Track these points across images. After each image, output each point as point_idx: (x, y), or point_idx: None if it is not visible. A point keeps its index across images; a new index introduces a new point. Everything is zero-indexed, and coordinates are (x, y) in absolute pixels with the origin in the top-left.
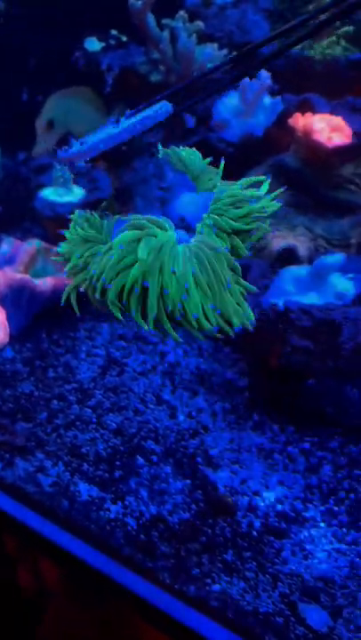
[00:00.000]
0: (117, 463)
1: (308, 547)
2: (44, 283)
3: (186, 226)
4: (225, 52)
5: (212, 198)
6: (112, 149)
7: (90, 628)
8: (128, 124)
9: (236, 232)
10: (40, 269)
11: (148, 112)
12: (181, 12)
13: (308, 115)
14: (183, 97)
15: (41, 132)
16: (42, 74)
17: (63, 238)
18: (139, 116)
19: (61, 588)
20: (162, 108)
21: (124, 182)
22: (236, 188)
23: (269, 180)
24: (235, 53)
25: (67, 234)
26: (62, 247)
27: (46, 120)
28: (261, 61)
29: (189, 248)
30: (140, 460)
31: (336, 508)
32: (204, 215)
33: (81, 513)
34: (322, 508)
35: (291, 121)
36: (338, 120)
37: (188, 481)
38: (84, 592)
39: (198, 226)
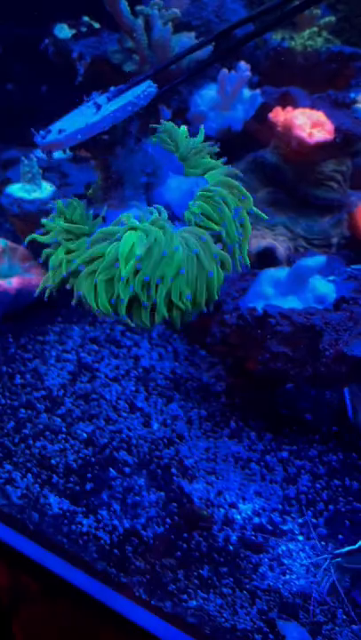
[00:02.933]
0: (89, 475)
1: (286, 561)
2: (9, 282)
3: (170, 214)
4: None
5: (199, 184)
6: (93, 138)
7: (63, 635)
8: (109, 111)
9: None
10: (6, 269)
11: (130, 97)
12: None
13: (289, 109)
14: (162, 80)
15: None
16: (10, 62)
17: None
18: (120, 101)
19: (36, 590)
20: (146, 90)
21: (110, 169)
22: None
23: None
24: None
25: (46, 222)
26: (45, 237)
27: None
28: (239, 41)
29: (185, 240)
30: (113, 471)
31: (315, 520)
32: (190, 203)
33: (52, 526)
34: (300, 520)
35: (271, 115)
36: (319, 115)
37: (163, 493)
38: (59, 602)
39: (186, 214)
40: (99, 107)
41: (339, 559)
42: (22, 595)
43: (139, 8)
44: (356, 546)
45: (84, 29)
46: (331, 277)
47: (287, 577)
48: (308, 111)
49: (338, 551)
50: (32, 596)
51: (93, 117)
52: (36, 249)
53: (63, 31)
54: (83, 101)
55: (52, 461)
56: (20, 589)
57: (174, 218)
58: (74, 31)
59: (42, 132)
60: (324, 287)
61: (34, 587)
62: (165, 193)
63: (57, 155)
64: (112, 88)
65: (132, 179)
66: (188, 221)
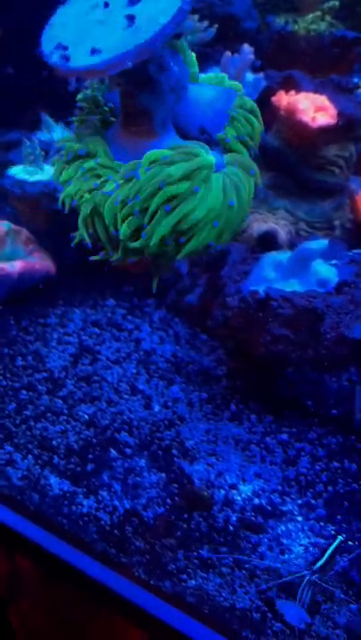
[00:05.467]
0: (90, 456)
1: (285, 541)
2: (12, 266)
3: (207, 138)
4: (206, 24)
5: (229, 96)
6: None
7: (65, 616)
8: (159, 24)
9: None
10: (8, 252)
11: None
12: None
13: (293, 93)
14: None
15: None
16: (10, 45)
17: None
18: (156, 3)
19: (37, 575)
20: None
21: (137, 96)
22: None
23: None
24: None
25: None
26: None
27: None
28: None
29: (228, 177)
30: (114, 452)
31: (314, 502)
32: (227, 127)
33: (52, 507)
34: (299, 501)
35: (274, 99)
36: (323, 99)
37: (163, 474)
38: (58, 586)
39: (221, 136)
40: (128, 16)
41: (315, 576)
42: (21, 579)
43: None
44: (326, 557)
45: None
46: (333, 261)
47: (286, 556)
48: (311, 95)
49: (316, 567)
50: (31, 581)
51: (141, 34)
52: None
53: None
54: None
55: (54, 442)
56: (19, 574)
57: (211, 143)
58: None
59: (56, 51)
60: (327, 271)
61: (33, 571)
62: (194, 110)
63: (58, 137)
64: None
65: (162, 101)
66: (223, 144)
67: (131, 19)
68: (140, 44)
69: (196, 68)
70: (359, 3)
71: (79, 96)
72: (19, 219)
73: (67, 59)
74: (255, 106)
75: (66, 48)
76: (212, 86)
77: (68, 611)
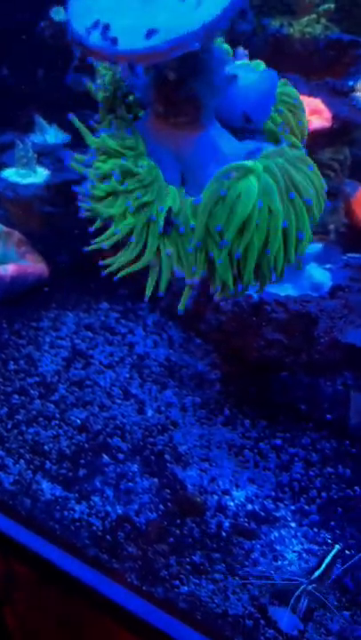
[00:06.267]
0: (82, 461)
1: (278, 547)
2: (5, 269)
3: (253, 128)
4: None
5: (273, 78)
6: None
7: (61, 619)
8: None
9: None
10: (1, 255)
11: None
12: None
13: None
14: None
15: None
16: (5, 46)
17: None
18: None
19: (32, 577)
20: None
21: (186, 86)
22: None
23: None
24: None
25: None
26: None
27: None
28: None
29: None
30: (106, 457)
31: (307, 507)
32: (275, 115)
33: (44, 512)
34: (293, 507)
35: None
36: (317, 102)
37: (156, 479)
38: (52, 590)
39: (268, 125)
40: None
41: (312, 586)
42: (15, 583)
43: None
44: (323, 567)
45: None
46: (327, 265)
47: (279, 563)
48: (306, 98)
49: (313, 576)
50: (26, 583)
51: (206, 10)
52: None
53: (59, 14)
54: None
55: (46, 447)
56: (13, 578)
57: (256, 131)
58: None
59: (95, 30)
60: (321, 275)
61: (27, 575)
62: (236, 94)
63: (51, 139)
64: None
65: (212, 87)
66: (269, 133)
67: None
68: (208, 22)
69: (230, 51)
70: (356, 4)
71: (99, 83)
72: (11, 221)
73: (113, 40)
74: (298, 94)
75: (107, 27)
76: (252, 68)
77: (64, 614)
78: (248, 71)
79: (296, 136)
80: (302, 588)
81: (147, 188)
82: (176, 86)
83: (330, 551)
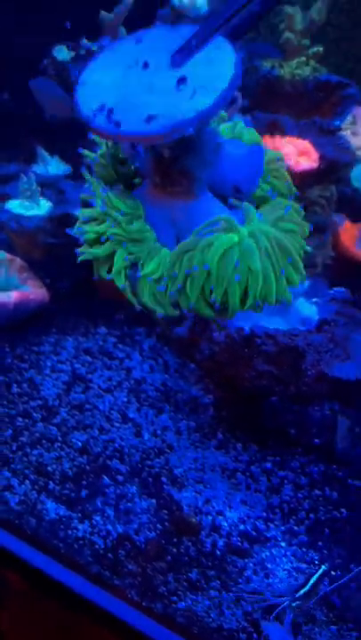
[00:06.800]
0: (84, 482)
1: (269, 566)
2: (9, 296)
3: (242, 197)
4: None
5: (260, 152)
6: None
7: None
8: (219, 89)
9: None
10: (3, 280)
11: (223, 62)
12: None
13: (277, 137)
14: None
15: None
16: (6, 71)
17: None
18: (212, 68)
19: (24, 587)
20: (235, 55)
21: (181, 161)
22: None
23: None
24: None
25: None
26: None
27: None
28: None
29: (266, 238)
30: (106, 479)
31: (296, 528)
32: (262, 183)
33: (49, 531)
34: (283, 527)
35: None
36: (306, 144)
37: (154, 500)
38: (48, 601)
39: (258, 193)
40: (179, 79)
41: (296, 602)
42: (8, 592)
43: None
44: (309, 585)
45: (82, 52)
46: (314, 299)
47: (270, 580)
48: (294, 140)
49: (298, 594)
50: (18, 594)
51: (200, 99)
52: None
53: (62, 53)
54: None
55: (49, 468)
56: (6, 587)
57: (245, 200)
58: (73, 53)
59: (100, 114)
60: (308, 309)
61: (20, 585)
62: (227, 167)
63: (53, 170)
64: (145, 32)
65: (204, 162)
66: (259, 199)
67: (182, 81)
68: (203, 111)
69: (225, 115)
70: (344, 38)
71: (97, 156)
72: (12, 246)
73: (117, 124)
74: (282, 154)
75: (111, 111)
76: (242, 142)
77: (63, 626)
78: (237, 145)
79: (285, 197)
80: (286, 603)
81: (135, 243)
82: (172, 162)
83: (317, 571)
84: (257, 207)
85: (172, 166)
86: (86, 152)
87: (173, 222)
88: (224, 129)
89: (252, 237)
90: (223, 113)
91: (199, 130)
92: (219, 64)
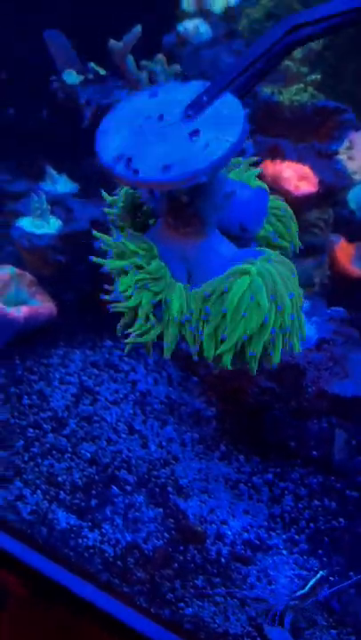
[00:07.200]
0: (93, 492)
1: (272, 573)
2: (18, 311)
3: (248, 236)
4: None
5: (264, 196)
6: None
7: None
8: (229, 142)
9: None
10: (13, 295)
11: (233, 117)
12: (160, 56)
13: (278, 162)
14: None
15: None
16: (13, 87)
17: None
18: (224, 124)
19: (25, 592)
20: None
21: (193, 205)
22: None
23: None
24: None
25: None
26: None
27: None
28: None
29: (270, 276)
30: (115, 489)
31: (297, 537)
32: (266, 225)
33: (60, 540)
34: (284, 536)
35: (261, 167)
36: (305, 169)
37: (161, 510)
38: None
39: (262, 234)
40: (192, 131)
41: (294, 602)
42: (7, 596)
43: (144, 63)
44: (306, 589)
45: (90, 76)
46: (313, 318)
47: (273, 587)
48: (294, 165)
49: (295, 595)
50: (19, 599)
51: (212, 150)
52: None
53: (71, 77)
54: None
55: (60, 479)
56: (6, 591)
57: (251, 239)
58: (82, 77)
59: (120, 162)
60: (308, 328)
61: (21, 589)
62: (235, 208)
63: (61, 188)
64: (159, 87)
65: (214, 206)
66: (262, 239)
67: (195, 134)
68: (215, 161)
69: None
70: (341, 60)
71: (116, 199)
72: (21, 260)
73: (135, 171)
74: (288, 206)
75: (130, 160)
76: (247, 185)
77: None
78: (244, 188)
79: (286, 240)
80: (283, 605)
81: (156, 281)
82: (185, 205)
83: (314, 576)
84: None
85: (185, 209)
86: (107, 210)
87: (185, 259)
88: (234, 173)
89: (260, 275)
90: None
91: (211, 177)
92: (228, 118)
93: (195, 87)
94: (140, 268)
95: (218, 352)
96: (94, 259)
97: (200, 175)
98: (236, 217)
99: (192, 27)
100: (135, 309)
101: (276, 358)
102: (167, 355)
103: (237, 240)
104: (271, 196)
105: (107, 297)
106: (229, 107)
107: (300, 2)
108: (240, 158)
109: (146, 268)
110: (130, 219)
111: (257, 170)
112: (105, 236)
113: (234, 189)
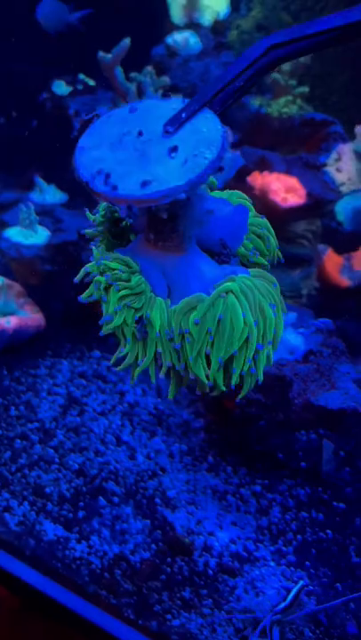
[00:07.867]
0: (80, 504)
1: (259, 585)
2: (8, 322)
3: (228, 252)
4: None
5: (245, 212)
6: None
7: None
8: (207, 159)
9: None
10: (2, 306)
11: (212, 134)
12: (149, 68)
13: (266, 174)
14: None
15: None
16: (3, 97)
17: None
18: (204, 142)
19: (14, 603)
20: (220, 126)
21: (172, 222)
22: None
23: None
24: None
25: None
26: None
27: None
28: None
29: (253, 293)
30: (102, 500)
31: (285, 549)
32: (246, 241)
33: (47, 552)
34: (271, 548)
35: (249, 179)
36: (293, 181)
37: (148, 521)
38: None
39: (241, 250)
40: (171, 148)
41: (278, 616)
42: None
43: (133, 74)
44: (287, 601)
45: (80, 87)
46: (300, 330)
47: (260, 598)
48: (282, 177)
49: (277, 609)
50: (9, 609)
51: (191, 167)
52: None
53: (60, 88)
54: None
55: (47, 490)
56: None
57: (230, 255)
58: (70, 88)
59: (98, 177)
60: (295, 339)
61: (11, 600)
62: (214, 224)
63: (50, 198)
64: (139, 103)
65: (193, 221)
66: (241, 257)
67: (174, 150)
68: (193, 179)
69: (215, 182)
70: (328, 72)
71: (98, 217)
72: (9, 270)
73: (114, 187)
74: (268, 223)
75: (108, 175)
76: (228, 202)
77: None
78: (224, 204)
79: (265, 257)
80: (268, 619)
81: (137, 296)
82: (165, 221)
83: (294, 587)
84: (242, 264)
85: (165, 225)
86: (88, 231)
87: (165, 274)
88: (217, 194)
89: (242, 292)
90: (212, 179)
91: (190, 193)
92: (207, 135)
93: (174, 104)
94: (123, 281)
95: (210, 374)
96: (77, 279)
97: (179, 192)
98: (217, 233)
99: (181, 39)
100: (122, 329)
101: (260, 375)
102: (163, 374)
103: (218, 256)
104: (251, 213)
105: (85, 300)
106: (208, 123)
107: (289, 14)
108: (215, 180)
109: (127, 284)
110: (109, 234)
111: (238, 192)
112: (95, 253)
113: (214, 206)
